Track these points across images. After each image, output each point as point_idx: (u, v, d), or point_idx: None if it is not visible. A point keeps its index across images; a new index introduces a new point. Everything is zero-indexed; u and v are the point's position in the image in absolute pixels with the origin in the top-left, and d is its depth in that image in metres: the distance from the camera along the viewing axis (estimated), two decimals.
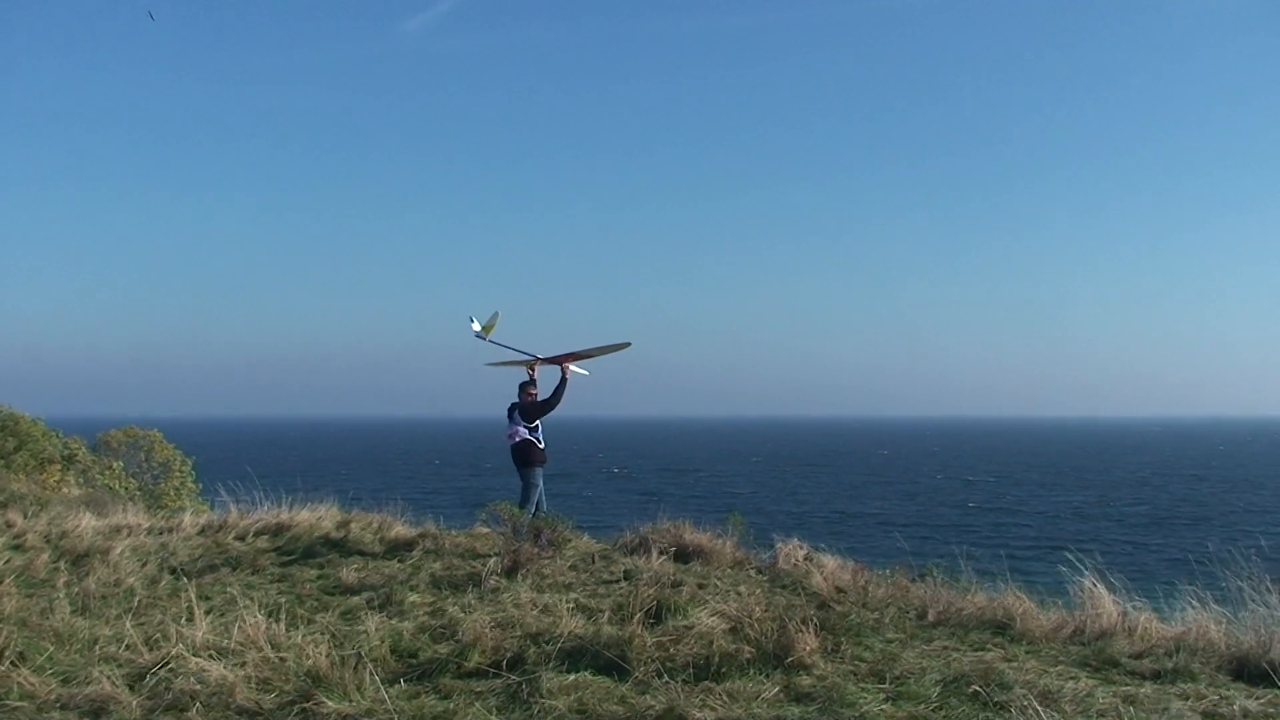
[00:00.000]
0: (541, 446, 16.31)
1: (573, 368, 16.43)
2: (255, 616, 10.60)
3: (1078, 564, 12.22)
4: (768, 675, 9.22)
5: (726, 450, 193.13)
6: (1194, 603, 11.13)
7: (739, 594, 12.47)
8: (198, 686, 9.02)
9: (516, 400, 16.40)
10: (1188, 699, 8.75)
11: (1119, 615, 11.21)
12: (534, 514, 15.78)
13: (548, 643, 10.09)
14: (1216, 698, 8.78)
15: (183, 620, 11.02)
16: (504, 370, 17.45)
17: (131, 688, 9.20)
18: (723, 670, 9.26)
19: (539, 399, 16.35)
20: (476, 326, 16.48)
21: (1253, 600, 10.80)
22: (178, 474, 43.07)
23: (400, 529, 17.43)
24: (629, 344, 16.77)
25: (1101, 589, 11.67)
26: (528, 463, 16.21)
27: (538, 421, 16.28)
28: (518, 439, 16.16)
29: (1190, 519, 76.46)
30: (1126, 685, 9.17)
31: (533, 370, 16.72)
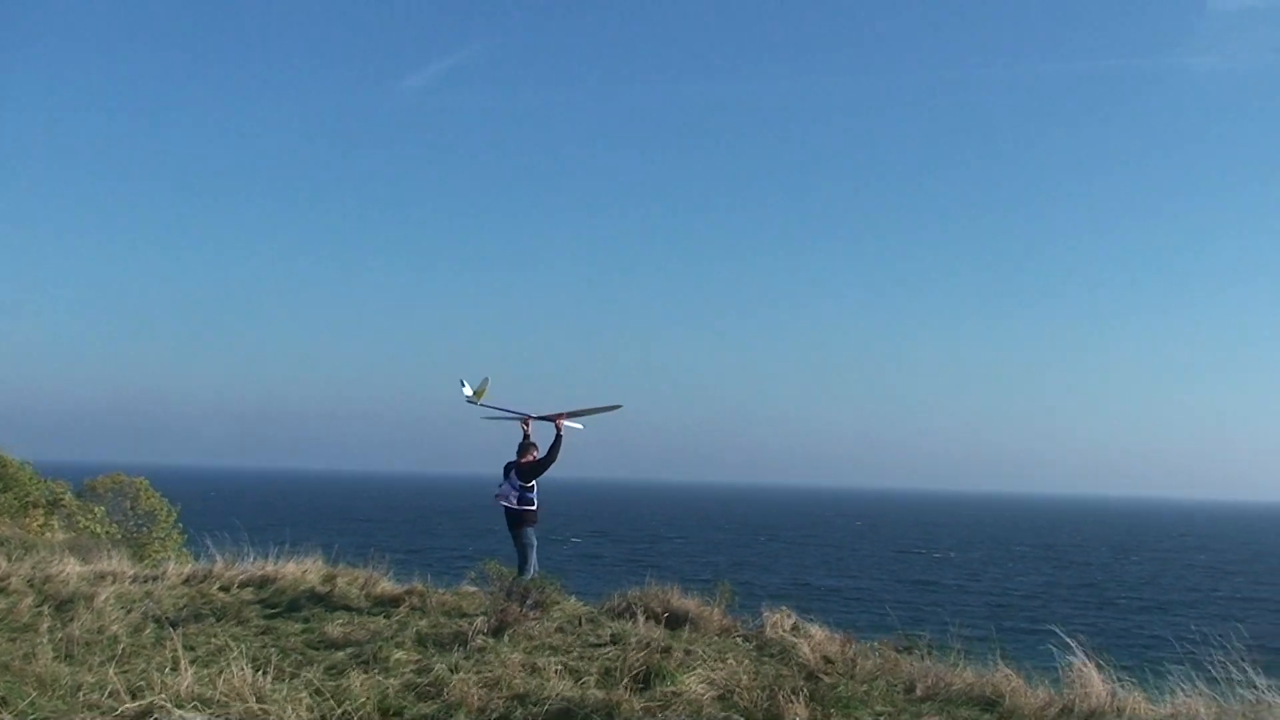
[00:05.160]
0: (534, 508, 16.22)
1: (567, 423, 16.30)
2: (241, 668, 10.54)
3: (1066, 642, 12.18)
4: None
5: (697, 517, 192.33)
6: (1182, 684, 11.08)
7: (727, 661, 12.39)
8: None
9: (514, 460, 16.32)
10: None
11: (1108, 695, 11.15)
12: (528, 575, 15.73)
13: (534, 704, 10.06)
14: None
15: (167, 669, 10.94)
16: (499, 426, 17.39)
17: None
18: None
19: (536, 458, 16.30)
20: (468, 391, 16.53)
21: (1240, 683, 10.77)
22: (163, 523, 42.81)
23: (386, 585, 17.35)
24: (619, 406, 16.78)
25: (1090, 668, 11.62)
26: (521, 523, 16.15)
27: (533, 482, 16.23)
28: (510, 499, 16.09)
29: (1175, 602, 76.39)
30: None
31: (527, 426, 16.68)
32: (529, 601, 14.74)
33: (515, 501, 16.07)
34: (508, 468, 16.26)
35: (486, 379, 16.63)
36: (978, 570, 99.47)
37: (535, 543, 16.28)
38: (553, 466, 16.14)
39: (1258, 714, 10.05)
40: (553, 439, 16.17)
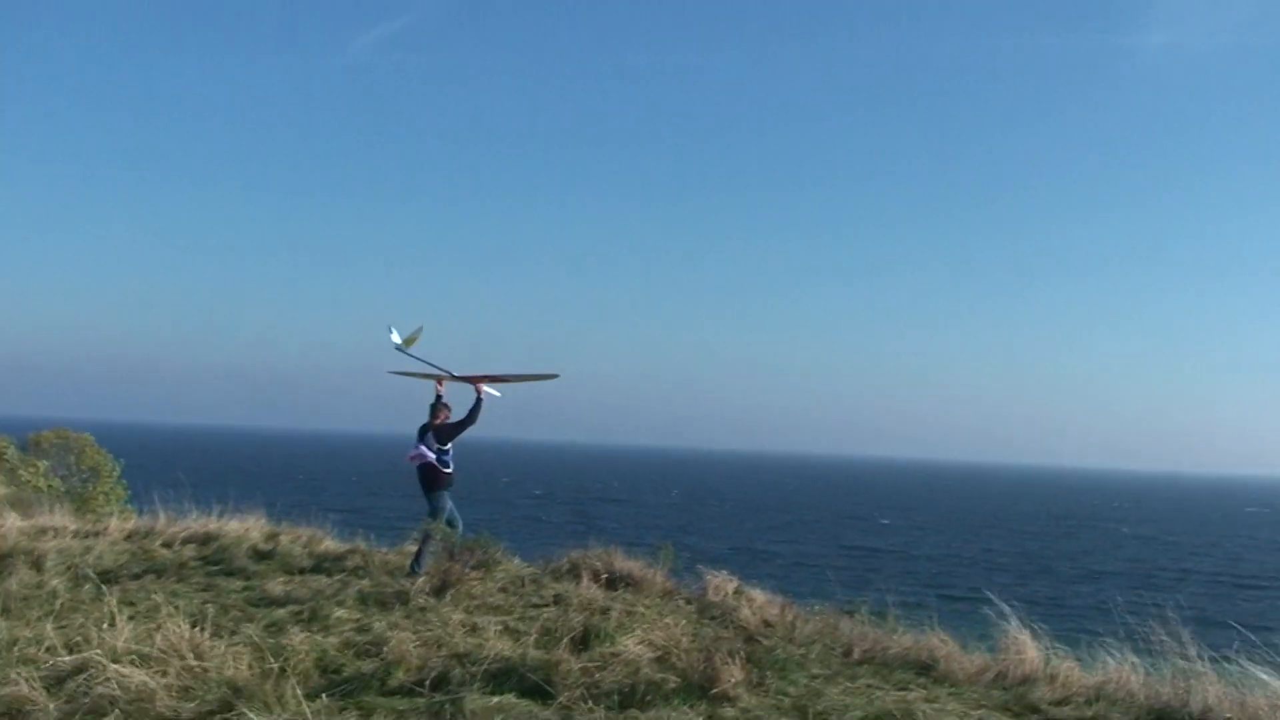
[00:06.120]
0: (449, 470, 15.85)
1: (486, 388, 15.92)
2: (179, 624, 10.49)
3: (1002, 610, 12.32)
4: (692, 705, 9.23)
5: (645, 481, 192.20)
6: (1114, 652, 11.25)
7: (667, 623, 12.46)
8: (118, 692, 8.90)
9: (428, 421, 15.94)
10: None
11: (1041, 661, 11.31)
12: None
13: (473, 664, 10.06)
14: None
15: (105, 625, 10.86)
16: (412, 383, 16.98)
17: (50, 691, 9.07)
18: (648, 698, 9.26)
19: (451, 420, 15.93)
20: (397, 339, 15.90)
21: (1173, 653, 10.94)
22: (106, 479, 42.54)
23: (329, 544, 17.39)
24: (556, 375, 16.45)
25: (1025, 635, 11.78)
26: (434, 486, 15.79)
27: (449, 444, 15.90)
28: (424, 461, 15.72)
29: (1112, 572, 77.33)
30: None
31: (441, 385, 16.25)
32: (463, 558, 14.64)
33: (433, 461, 15.71)
34: (423, 429, 15.88)
35: (420, 327, 16.04)
36: (919, 537, 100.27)
37: (449, 506, 15.93)
38: (471, 429, 15.81)
39: (1188, 683, 10.22)
40: (473, 402, 15.83)
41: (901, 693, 10.33)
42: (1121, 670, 10.89)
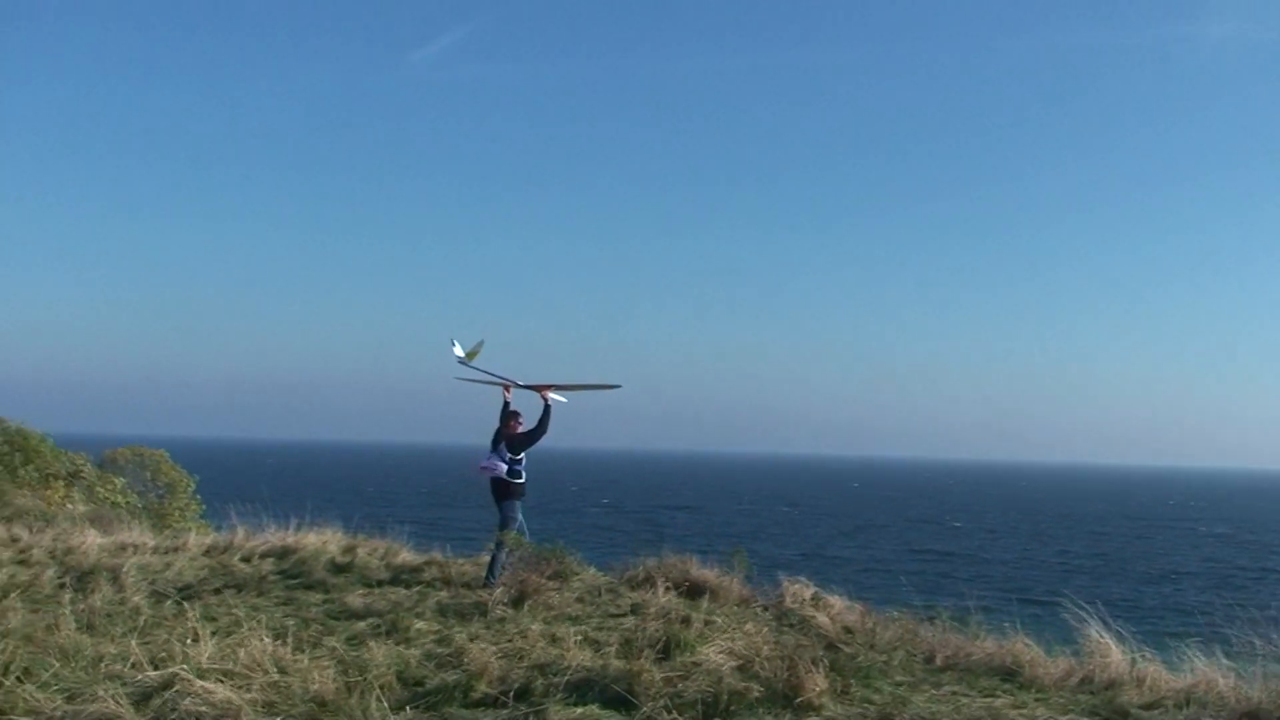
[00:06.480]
0: (522, 480, 15.87)
1: (552, 395, 15.97)
2: (261, 639, 10.56)
3: (1083, 613, 12.17)
4: (776, 715, 9.19)
5: (714, 487, 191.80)
6: (1200, 655, 11.08)
7: (746, 632, 12.41)
8: (204, 708, 8.98)
9: (499, 427, 16.01)
10: None
11: (1127, 665, 11.15)
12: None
13: (555, 674, 10.06)
14: None
15: (188, 640, 10.96)
16: (483, 392, 16.96)
17: (136, 707, 9.16)
18: (731, 708, 9.22)
19: (523, 429, 15.93)
20: (459, 352, 16.14)
21: (1262, 656, 10.75)
22: (182, 494, 43.02)
23: (406, 555, 17.41)
24: (619, 385, 16.59)
25: (1109, 639, 11.62)
26: (507, 495, 15.80)
27: (522, 454, 15.90)
28: (497, 471, 15.74)
29: (1192, 573, 76.23)
30: None
31: (508, 393, 16.28)
32: (547, 572, 14.67)
33: (504, 473, 15.75)
34: (496, 438, 15.93)
35: (481, 341, 16.27)
36: (991, 540, 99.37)
37: (520, 517, 15.91)
38: (543, 438, 15.85)
39: (1279, 685, 10.03)
40: (541, 410, 15.87)
41: (988, 699, 10.22)
42: (1210, 672, 10.72)
